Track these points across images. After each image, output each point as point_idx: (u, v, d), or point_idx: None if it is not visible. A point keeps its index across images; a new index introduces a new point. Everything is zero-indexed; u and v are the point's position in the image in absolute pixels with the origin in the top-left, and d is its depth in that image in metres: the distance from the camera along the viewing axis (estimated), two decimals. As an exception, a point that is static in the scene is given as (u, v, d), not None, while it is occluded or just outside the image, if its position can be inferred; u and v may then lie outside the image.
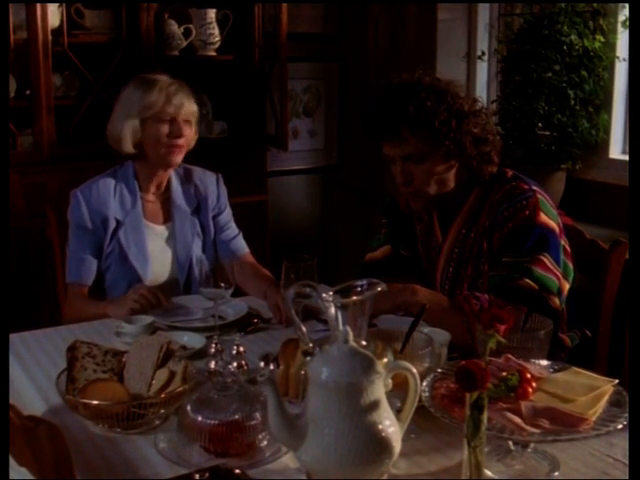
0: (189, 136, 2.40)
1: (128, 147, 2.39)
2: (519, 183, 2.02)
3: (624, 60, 3.05)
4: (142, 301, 2.16)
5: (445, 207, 2.12)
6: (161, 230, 2.45)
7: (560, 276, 1.96)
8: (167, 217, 2.46)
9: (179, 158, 2.40)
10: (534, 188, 2.01)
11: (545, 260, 1.93)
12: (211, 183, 2.53)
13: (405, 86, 2.02)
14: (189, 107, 2.38)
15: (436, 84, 2.03)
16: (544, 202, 1.99)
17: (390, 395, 1.30)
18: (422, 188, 2.04)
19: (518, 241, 1.95)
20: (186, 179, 2.50)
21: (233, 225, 2.57)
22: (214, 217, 2.52)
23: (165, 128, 2.35)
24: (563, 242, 2.02)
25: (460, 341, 1.77)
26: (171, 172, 2.46)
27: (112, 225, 2.37)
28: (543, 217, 1.96)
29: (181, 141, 2.37)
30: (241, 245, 2.55)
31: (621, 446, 1.45)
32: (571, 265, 2.05)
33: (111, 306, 2.24)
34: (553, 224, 1.98)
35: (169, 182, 2.46)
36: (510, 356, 1.51)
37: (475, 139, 2.01)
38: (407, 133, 1.98)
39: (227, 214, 2.55)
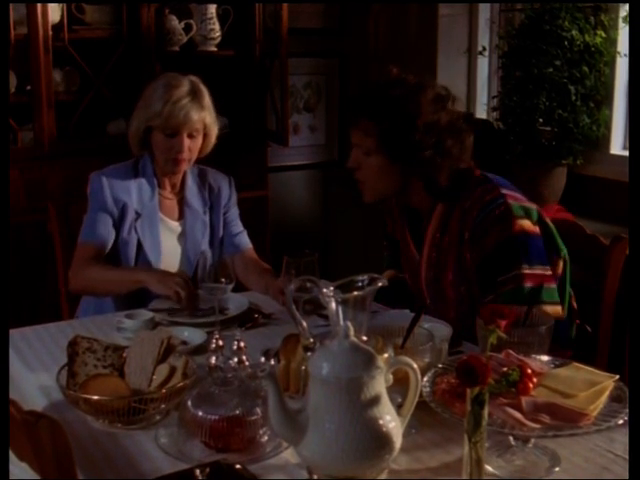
0: (194, 148, 2.39)
1: (134, 149, 2.41)
2: (487, 186, 1.99)
3: (625, 55, 3.05)
4: (182, 301, 2.13)
5: (416, 215, 2.11)
6: (175, 226, 2.47)
7: (549, 273, 1.95)
8: (182, 214, 2.49)
9: (181, 168, 2.41)
10: (503, 192, 1.97)
11: (533, 272, 1.91)
12: (224, 184, 2.56)
13: (382, 80, 2.03)
14: (197, 119, 2.35)
15: (416, 90, 1.97)
16: (515, 206, 1.95)
17: (391, 390, 1.31)
18: (366, 181, 2.06)
19: (503, 260, 1.93)
20: (200, 179, 2.52)
21: (239, 222, 2.60)
22: (223, 214, 2.55)
23: (167, 141, 2.34)
24: (539, 228, 1.98)
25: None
26: (187, 172, 2.47)
27: (131, 215, 2.38)
28: (518, 224, 1.93)
29: (184, 155, 2.36)
30: (245, 241, 2.58)
31: (622, 442, 1.45)
32: (558, 243, 2.04)
33: (146, 275, 2.23)
34: (528, 225, 1.95)
35: (184, 182, 2.48)
36: (511, 351, 1.51)
37: (436, 152, 1.96)
38: (358, 122, 2.00)
39: (234, 212, 2.59)
